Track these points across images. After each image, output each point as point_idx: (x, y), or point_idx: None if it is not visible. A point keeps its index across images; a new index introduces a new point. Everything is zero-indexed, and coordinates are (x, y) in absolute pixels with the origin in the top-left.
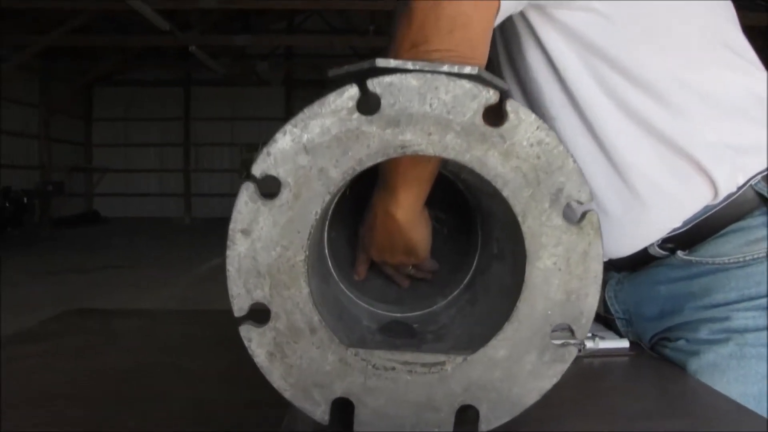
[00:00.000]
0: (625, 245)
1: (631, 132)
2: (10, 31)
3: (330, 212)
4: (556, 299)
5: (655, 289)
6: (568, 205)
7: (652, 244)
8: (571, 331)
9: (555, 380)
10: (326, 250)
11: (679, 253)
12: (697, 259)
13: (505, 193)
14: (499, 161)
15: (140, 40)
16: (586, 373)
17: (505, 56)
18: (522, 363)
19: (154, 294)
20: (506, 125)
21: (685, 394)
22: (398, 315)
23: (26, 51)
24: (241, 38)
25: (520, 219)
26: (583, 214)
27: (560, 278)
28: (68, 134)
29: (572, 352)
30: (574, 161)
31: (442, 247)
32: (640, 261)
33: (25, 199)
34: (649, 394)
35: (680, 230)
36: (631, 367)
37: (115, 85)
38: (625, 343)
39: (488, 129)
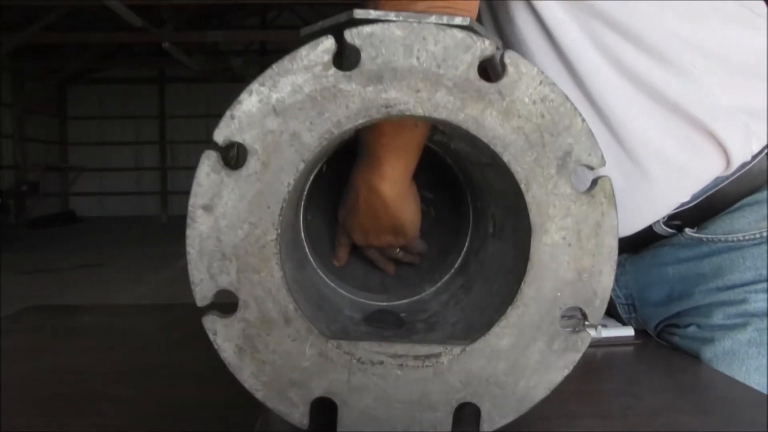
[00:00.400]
0: (628, 223)
1: (633, 98)
2: None
3: (306, 191)
4: (565, 279)
5: (661, 271)
6: (577, 171)
7: (657, 222)
8: (584, 315)
9: (566, 371)
10: (302, 234)
11: (687, 230)
12: (707, 236)
13: (506, 157)
14: (497, 121)
15: (113, 37)
16: (589, 365)
17: (489, 18)
18: (529, 353)
19: (128, 292)
20: (505, 80)
21: (704, 386)
22: (384, 304)
23: None
24: (214, 34)
25: (523, 187)
26: (595, 181)
27: (570, 254)
28: (43, 133)
29: (585, 339)
30: (583, 120)
31: (430, 229)
32: (644, 241)
33: (0, 200)
34: (663, 387)
35: (688, 205)
36: (639, 357)
37: (89, 83)
38: (629, 331)
39: (484, 84)
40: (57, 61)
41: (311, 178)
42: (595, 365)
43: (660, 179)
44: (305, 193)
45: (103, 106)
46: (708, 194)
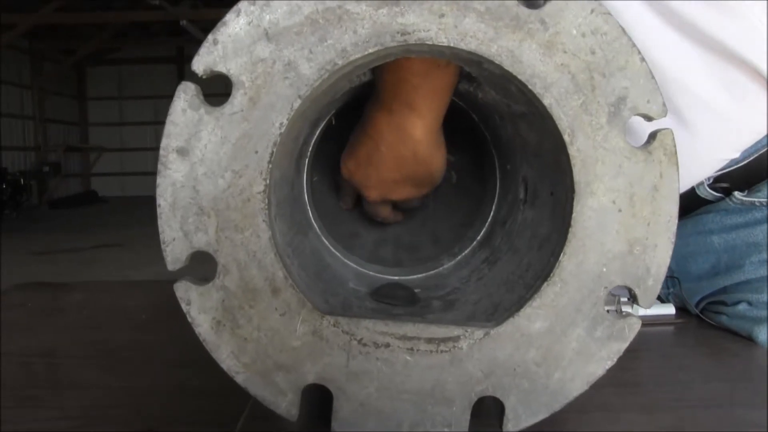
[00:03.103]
0: None
1: (670, 39)
2: None
3: (312, 147)
4: (613, 251)
5: (705, 241)
6: (632, 121)
7: (701, 184)
8: (633, 296)
9: (609, 364)
10: (306, 195)
11: (737, 194)
12: (761, 200)
13: (547, 101)
14: (538, 56)
15: (129, 15)
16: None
17: None
18: (566, 339)
19: (143, 271)
20: (549, 6)
21: (761, 372)
22: (396, 278)
23: (14, 30)
24: None
25: (566, 138)
26: (653, 134)
27: (620, 222)
28: (63, 114)
29: (634, 327)
30: (642, 60)
31: (450, 196)
32: (686, 206)
33: (22, 181)
34: (714, 374)
35: (738, 165)
36: (681, 338)
37: (107, 63)
38: (670, 309)
39: (524, 11)
40: (74, 42)
41: (318, 131)
42: (632, 347)
43: (705, 132)
44: (311, 148)
45: (122, 87)
46: (761, 152)
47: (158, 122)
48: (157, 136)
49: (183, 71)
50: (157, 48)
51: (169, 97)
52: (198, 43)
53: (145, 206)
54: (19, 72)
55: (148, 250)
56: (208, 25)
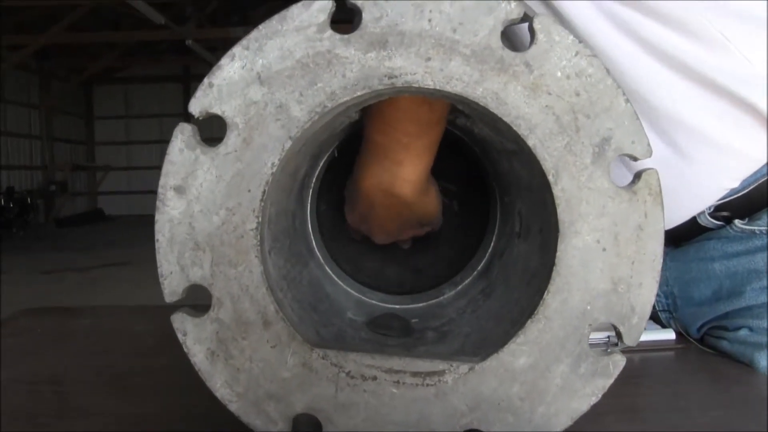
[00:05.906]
0: (668, 215)
1: (661, 75)
2: (4, 31)
3: (316, 178)
4: (598, 289)
5: (706, 267)
6: (617, 161)
7: (702, 213)
8: (618, 334)
9: (594, 400)
10: (309, 225)
11: (737, 222)
12: (761, 228)
13: (531, 141)
14: (522, 98)
15: (135, 35)
16: (626, 372)
17: None
18: (550, 375)
19: (150, 290)
20: (533, 49)
21: (761, 399)
22: (396, 306)
23: (23, 50)
24: (237, 30)
25: (551, 178)
26: (638, 174)
27: (604, 261)
28: (70, 133)
29: (618, 364)
30: (627, 101)
31: (452, 226)
32: (687, 234)
33: (29, 199)
34: (714, 401)
35: (738, 194)
36: (681, 364)
37: (114, 82)
38: (670, 335)
39: (509, 54)
40: (81, 61)
41: (321, 164)
42: (632, 373)
43: (702, 162)
44: (315, 180)
45: (128, 106)
46: (760, 181)
47: (164, 141)
48: (164, 155)
49: (189, 89)
50: (163, 67)
51: (176, 115)
52: (203, 61)
53: (152, 225)
54: (27, 91)
55: (154, 270)
56: (213, 44)
